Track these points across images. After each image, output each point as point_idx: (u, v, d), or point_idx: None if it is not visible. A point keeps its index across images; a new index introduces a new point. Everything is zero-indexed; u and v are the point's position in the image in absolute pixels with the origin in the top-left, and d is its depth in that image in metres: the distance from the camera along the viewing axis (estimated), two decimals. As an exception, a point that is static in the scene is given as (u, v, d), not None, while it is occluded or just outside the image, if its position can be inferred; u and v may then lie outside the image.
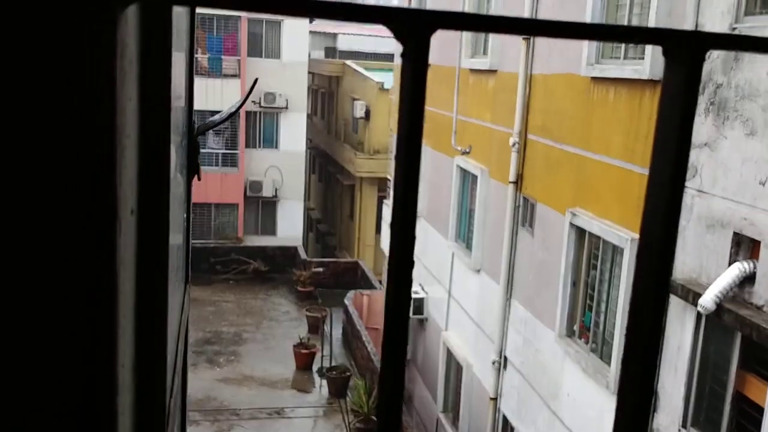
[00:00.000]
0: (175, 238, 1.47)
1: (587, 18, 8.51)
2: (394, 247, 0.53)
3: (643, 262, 0.61)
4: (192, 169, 1.65)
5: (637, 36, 0.58)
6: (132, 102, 0.62)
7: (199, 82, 24.31)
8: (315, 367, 17.64)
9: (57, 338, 0.53)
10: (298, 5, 0.50)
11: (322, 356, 17.47)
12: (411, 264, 0.54)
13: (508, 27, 0.55)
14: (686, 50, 0.56)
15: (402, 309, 0.55)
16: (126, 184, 0.60)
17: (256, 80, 3.13)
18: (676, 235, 0.58)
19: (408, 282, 0.54)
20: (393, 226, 0.54)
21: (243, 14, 25.22)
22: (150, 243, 0.76)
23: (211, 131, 25.97)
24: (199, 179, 1.73)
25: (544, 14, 9.86)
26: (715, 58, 6.49)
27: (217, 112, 21.98)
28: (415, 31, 0.52)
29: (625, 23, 8.05)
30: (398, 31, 0.52)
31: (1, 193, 0.48)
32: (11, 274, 0.51)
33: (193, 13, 1.74)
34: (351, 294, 19.80)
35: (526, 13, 10.08)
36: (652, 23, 7.24)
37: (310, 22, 27.32)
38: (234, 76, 25.33)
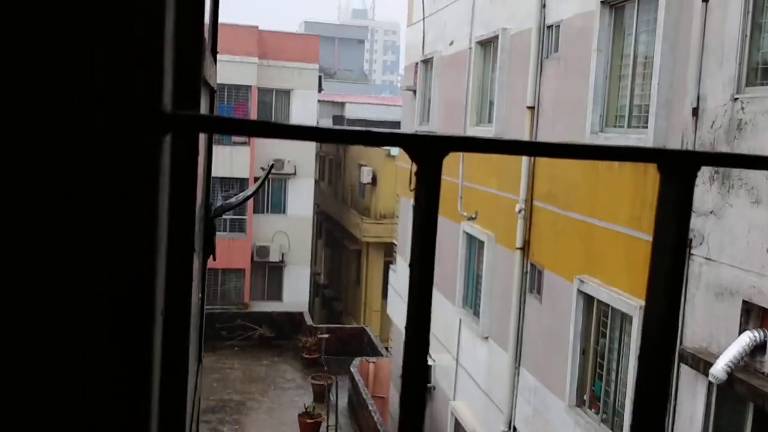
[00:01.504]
0: (193, 319, 1.50)
1: (590, 87, 8.68)
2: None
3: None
4: (208, 250, 1.70)
5: (634, 155, 0.63)
6: (164, 213, 0.66)
7: (208, 149, 24.49)
8: (321, 437, 17.30)
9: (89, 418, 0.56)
10: (323, 134, 0.55)
11: (328, 426, 17.16)
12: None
13: (513, 148, 0.59)
14: (679, 167, 0.60)
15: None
16: (158, 287, 0.64)
17: (272, 165, 3.22)
18: (674, 347, 0.61)
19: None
20: (407, 336, 0.58)
21: (253, 84, 25.79)
22: (173, 338, 0.80)
23: (219, 196, 26.22)
24: (214, 259, 1.78)
25: (547, 85, 10.08)
26: (717, 128, 6.59)
27: (227, 179, 22.01)
28: (429, 154, 0.57)
29: (627, 94, 8.22)
30: (414, 153, 0.57)
31: (48, 288, 0.53)
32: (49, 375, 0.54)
33: (212, 101, 1.82)
34: (357, 361, 19.57)
35: (529, 83, 10.30)
36: (654, 94, 7.39)
37: (319, 91, 27.88)
38: (243, 143, 25.73)
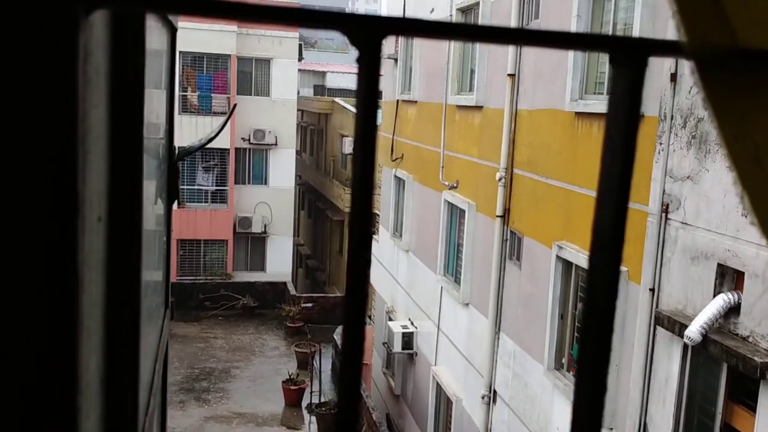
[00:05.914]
0: (153, 257, 1.48)
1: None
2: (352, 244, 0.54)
3: (595, 267, 0.63)
4: (172, 194, 1.67)
5: (582, 42, 0.61)
6: (99, 109, 0.63)
7: (189, 119, 24.24)
8: (304, 404, 17.45)
9: (12, 344, 0.54)
10: (255, 12, 0.52)
11: (311, 392, 17.29)
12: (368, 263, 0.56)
13: (456, 33, 0.57)
14: (629, 56, 0.59)
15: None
16: (92, 190, 0.61)
17: (234, 106, 3.19)
18: (623, 240, 0.60)
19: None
20: (351, 226, 0.56)
21: (233, 53, 25.46)
22: (121, 249, 0.77)
23: (200, 167, 26.01)
24: (179, 205, 1.75)
25: (528, 52, 10.02)
26: (695, 93, 6.60)
27: (207, 149, 21.58)
28: (368, 37, 0.54)
29: (607, 61, 8.17)
30: (352, 36, 0.55)
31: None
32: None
33: (174, 41, 1.77)
34: (340, 329, 19.68)
35: (510, 51, 10.23)
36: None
37: (300, 60, 27.59)
38: (223, 113, 25.46)
